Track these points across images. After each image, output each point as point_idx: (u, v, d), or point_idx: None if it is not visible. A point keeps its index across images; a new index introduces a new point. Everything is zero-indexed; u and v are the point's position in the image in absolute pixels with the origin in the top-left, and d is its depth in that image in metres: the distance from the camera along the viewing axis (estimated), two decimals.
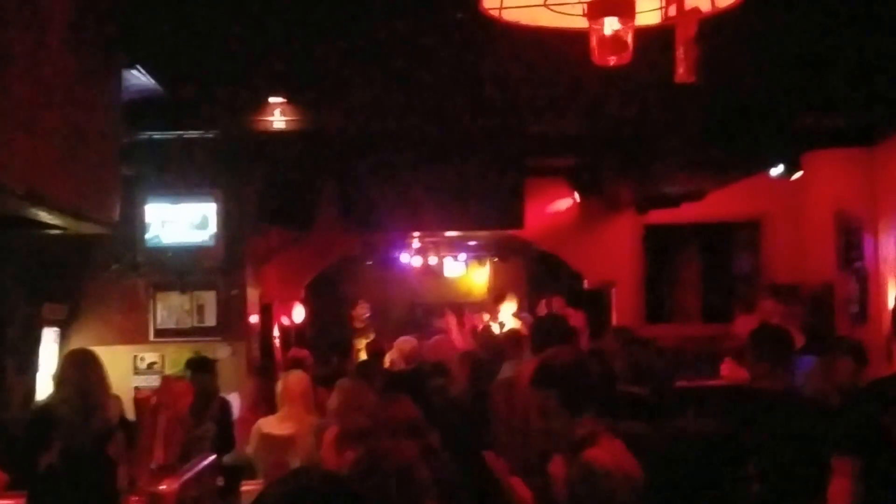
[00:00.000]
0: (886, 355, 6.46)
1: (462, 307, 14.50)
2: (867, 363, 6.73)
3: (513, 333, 8.81)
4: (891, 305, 8.79)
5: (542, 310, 12.46)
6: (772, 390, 5.21)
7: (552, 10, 3.44)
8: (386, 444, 3.67)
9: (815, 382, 6.59)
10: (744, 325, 9.59)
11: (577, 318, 11.16)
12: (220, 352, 9.64)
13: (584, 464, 3.63)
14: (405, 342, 11.01)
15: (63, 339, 9.43)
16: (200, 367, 8.14)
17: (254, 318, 10.56)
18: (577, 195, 12.05)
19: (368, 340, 12.93)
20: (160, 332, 9.91)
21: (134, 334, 9.85)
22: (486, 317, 14.15)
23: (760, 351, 5.38)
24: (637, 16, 3.39)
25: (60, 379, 5.85)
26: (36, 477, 5.65)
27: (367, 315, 14.64)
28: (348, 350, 13.48)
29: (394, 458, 3.47)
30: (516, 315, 14.04)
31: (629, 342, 6.35)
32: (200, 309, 9.92)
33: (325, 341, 13.45)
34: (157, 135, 8.23)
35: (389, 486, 3.35)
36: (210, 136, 8.45)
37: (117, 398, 6.87)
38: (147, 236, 9.44)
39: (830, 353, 6.84)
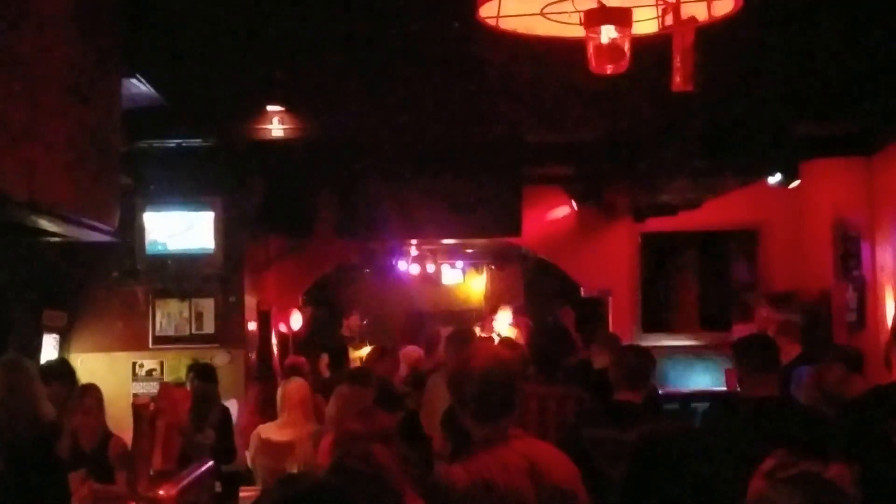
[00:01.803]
0: (885, 364, 6.46)
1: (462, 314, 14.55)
2: (860, 371, 6.74)
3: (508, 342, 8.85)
4: (889, 314, 8.82)
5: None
6: (764, 397, 5.22)
7: (549, 19, 3.46)
8: (358, 448, 3.69)
9: (807, 390, 6.62)
10: (741, 333, 9.60)
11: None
12: (219, 359, 9.66)
13: (434, 479, 3.69)
14: (412, 351, 11.11)
15: (63, 345, 9.45)
16: (204, 373, 8.15)
17: (252, 326, 10.58)
18: (574, 203, 12.06)
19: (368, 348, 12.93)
20: (159, 339, 9.94)
21: (133, 341, 9.88)
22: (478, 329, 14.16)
23: (747, 361, 5.40)
24: (634, 24, 3.40)
25: None
26: None
27: (359, 326, 14.65)
28: (344, 358, 13.47)
29: (365, 461, 3.50)
30: (514, 320, 14.06)
31: (623, 349, 6.38)
32: (199, 316, 9.94)
33: (323, 349, 13.44)
34: (156, 143, 8.26)
35: (359, 488, 3.37)
36: (209, 144, 8.48)
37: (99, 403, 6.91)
38: (146, 244, 9.46)
39: (822, 361, 6.86)
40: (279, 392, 7.20)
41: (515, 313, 14.25)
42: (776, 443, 4.87)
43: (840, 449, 4.64)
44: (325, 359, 11.96)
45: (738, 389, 5.55)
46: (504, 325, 13.77)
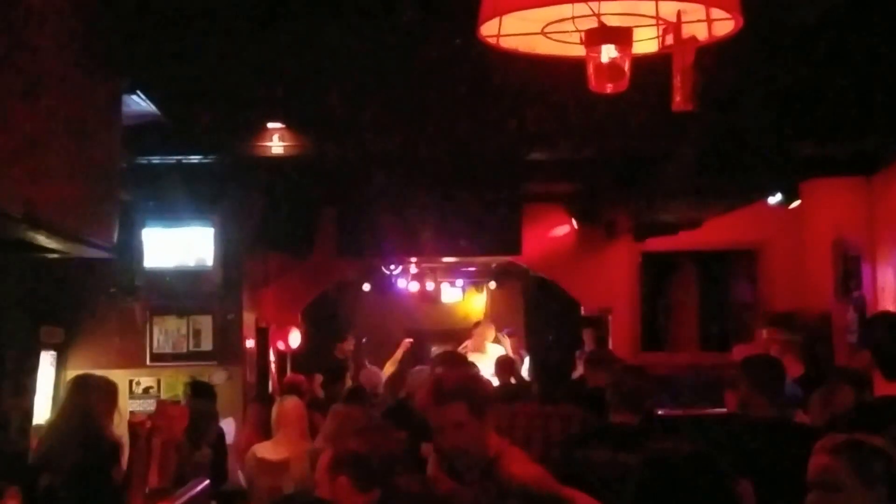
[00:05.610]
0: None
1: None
2: (868, 391, 6.70)
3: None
4: None
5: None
6: (765, 418, 5.20)
7: (550, 38, 3.46)
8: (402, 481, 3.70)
9: (815, 412, 6.57)
10: (741, 353, 9.56)
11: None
12: (216, 376, 9.63)
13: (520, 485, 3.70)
14: (419, 372, 11.09)
15: (60, 362, 9.42)
16: (201, 391, 8.10)
17: (250, 343, 10.55)
18: (574, 222, 12.06)
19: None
20: (156, 357, 9.91)
21: (130, 358, 9.85)
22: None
23: (752, 380, 5.37)
24: (634, 44, 3.39)
25: (64, 402, 5.85)
26: (34, 499, 5.65)
27: (352, 351, 14.63)
28: (339, 378, 13.43)
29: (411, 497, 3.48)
30: (501, 336, 14.07)
31: (620, 370, 6.35)
32: (197, 333, 9.93)
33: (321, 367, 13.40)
34: (155, 160, 8.24)
35: None
36: (209, 161, 8.46)
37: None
38: (145, 260, 9.44)
39: (830, 382, 6.82)
40: (274, 410, 7.17)
41: (503, 331, 14.30)
42: (779, 465, 4.87)
43: None
44: (318, 378, 11.93)
45: (740, 410, 5.53)
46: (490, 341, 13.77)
